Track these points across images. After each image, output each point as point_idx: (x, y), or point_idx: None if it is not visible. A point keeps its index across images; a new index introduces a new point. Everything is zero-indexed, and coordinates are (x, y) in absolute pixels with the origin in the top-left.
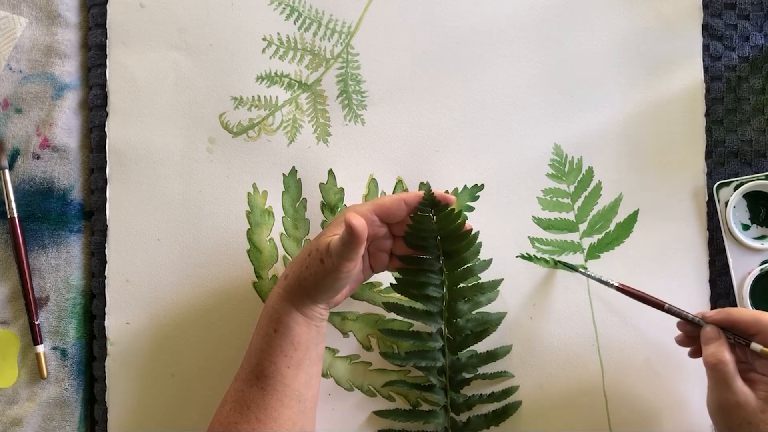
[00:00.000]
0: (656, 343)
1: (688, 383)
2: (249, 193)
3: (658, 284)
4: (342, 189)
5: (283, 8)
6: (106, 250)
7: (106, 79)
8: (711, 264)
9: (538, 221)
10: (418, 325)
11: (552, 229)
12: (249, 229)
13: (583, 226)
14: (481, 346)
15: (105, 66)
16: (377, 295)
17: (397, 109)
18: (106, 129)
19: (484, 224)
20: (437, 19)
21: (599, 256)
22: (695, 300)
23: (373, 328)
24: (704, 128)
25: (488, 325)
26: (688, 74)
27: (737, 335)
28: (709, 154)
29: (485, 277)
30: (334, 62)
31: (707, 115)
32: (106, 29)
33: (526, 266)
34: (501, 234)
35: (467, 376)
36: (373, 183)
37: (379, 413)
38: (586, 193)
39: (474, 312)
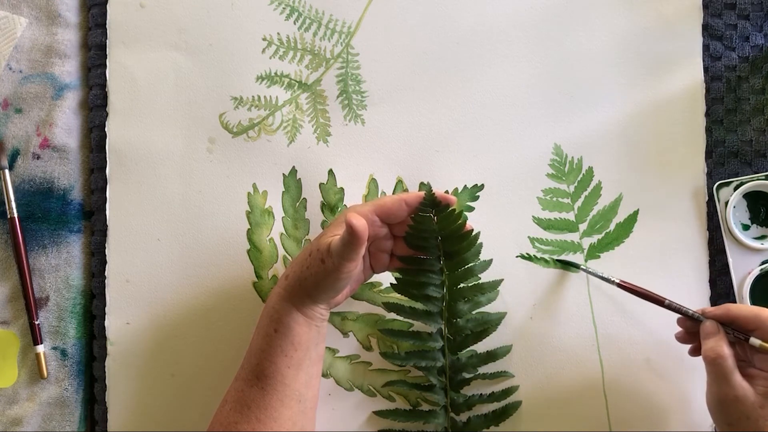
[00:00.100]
0: (656, 342)
1: (688, 383)
2: (249, 193)
3: (658, 284)
4: (342, 189)
5: (283, 8)
6: (106, 250)
7: (106, 79)
8: (711, 264)
9: (538, 221)
10: (418, 325)
11: (552, 229)
12: (249, 229)
13: (583, 226)
14: (481, 346)
15: (105, 66)
16: (377, 295)
17: (397, 109)
18: (106, 129)
19: (484, 224)
20: (437, 19)
21: (599, 256)
22: (695, 300)
23: (373, 328)
24: (704, 128)
25: (488, 325)
26: (688, 74)
27: (736, 330)
28: (709, 154)
29: (485, 277)
30: (334, 62)
31: (707, 115)
32: (106, 29)
33: (526, 266)
34: (501, 234)
35: (467, 376)
36: (373, 183)
37: (379, 413)
38: (586, 193)
39: (474, 312)
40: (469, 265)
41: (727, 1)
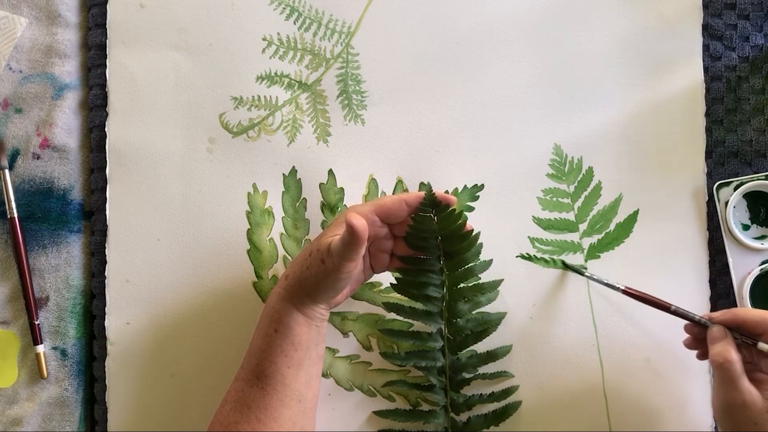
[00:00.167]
0: (656, 343)
1: (688, 383)
2: (249, 193)
3: (658, 284)
4: (342, 189)
5: (283, 8)
6: (106, 250)
7: (106, 79)
8: (711, 264)
9: (538, 221)
10: (418, 325)
11: (552, 229)
12: (249, 229)
13: (583, 226)
14: (481, 346)
15: (105, 66)
16: (377, 295)
17: (397, 109)
18: (106, 129)
19: (484, 224)
20: (437, 19)
21: (599, 256)
22: (695, 300)
23: (373, 328)
24: (704, 128)
25: (488, 325)
26: (688, 74)
27: (744, 335)
28: (709, 154)
29: (485, 277)
30: (334, 62)
31: (707, 115)
32: (106, 29)
33: (526, 266)
34: (501, 234)
35: (467, 376)
36: (373, 183)
37: (379, 413)
38: (586, 193)
39: (474, 312)
40: (469, 265)
41: (727, 1)
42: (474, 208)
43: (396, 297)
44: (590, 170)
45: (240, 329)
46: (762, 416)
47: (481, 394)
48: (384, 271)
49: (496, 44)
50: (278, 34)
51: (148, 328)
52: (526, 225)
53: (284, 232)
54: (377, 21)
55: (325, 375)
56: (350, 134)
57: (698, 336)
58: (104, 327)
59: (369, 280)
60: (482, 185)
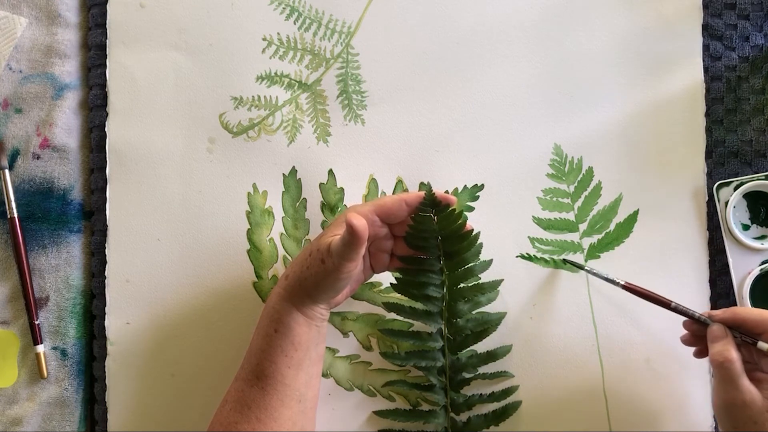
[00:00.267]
0: (656, 343)
1: (688, 383)
2: (249, 193)
3: (658, 284)
4: (342, 189)
5: (283, 8)
6: (106, 250)
7: (106, 79)
8: (711, 264)
9: (538, 221)
10: (418, 325)
11: (552, 229)
12: (249, 229)
13: (583, 226)
14: (481, 346)
15: (105, 66)
16: (377, 295)
17: (397, 109)
18: (106, 129)
19: (484, 224)
20: (437, 19)
21: (599, 256)
22: (695, 300)
23: (373, 328)
24: (704, 128)
25: (488, 325)
26: (688, 74)
27: (744, 334)
28: (709, 154)
29: (485, 277)
30: (334, 62)
31: (707, 115)
32: (106, 29)
33: (526, 266)
34: (501, 234)
35: (467, 376)
36: (373, 183)
37: (379, 413)
38: (586, 193)
39: (474, 312)
40: (469, 265)
41: (727, 1)
42: (474, 208)
43: (396, 297)
44: (590, 170)
45: (240, 329)
46: (762, 415)
47: (481, 394)
48: (384, 271)
49: (496, 44)
50: (278, 34)
51: (148, 328)
52: (526, 225)
53: (284, 232)
54: (377, 21)
55: (325, 375)
56: (350, 134)
57: (697, 333)
58: (104, 327)
59: (369, 280)
60: (482, 185)
